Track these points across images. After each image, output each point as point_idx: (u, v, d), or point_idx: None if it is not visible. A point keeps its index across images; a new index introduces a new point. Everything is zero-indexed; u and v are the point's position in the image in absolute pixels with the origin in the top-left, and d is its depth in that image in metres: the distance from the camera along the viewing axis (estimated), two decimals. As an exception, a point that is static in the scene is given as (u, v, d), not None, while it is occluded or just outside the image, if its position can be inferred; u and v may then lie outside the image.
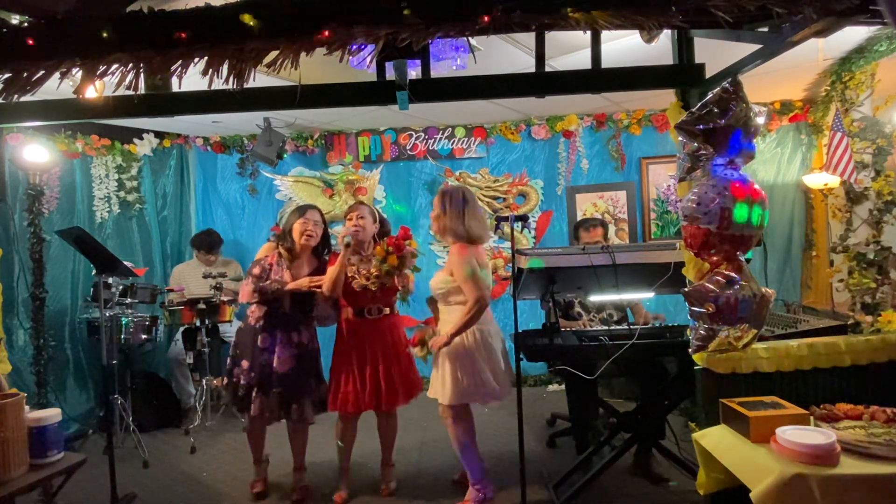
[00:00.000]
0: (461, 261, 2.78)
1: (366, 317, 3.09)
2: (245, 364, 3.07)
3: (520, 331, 2.74)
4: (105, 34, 1.97)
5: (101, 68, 2.04)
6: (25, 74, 2.04)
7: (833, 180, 4.11)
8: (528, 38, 2.62)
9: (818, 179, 4.26)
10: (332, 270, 3.02)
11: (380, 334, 3.09)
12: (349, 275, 3.05)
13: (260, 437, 3.24)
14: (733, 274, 2.13)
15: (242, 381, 3.05)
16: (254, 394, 3.03)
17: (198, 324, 4.20)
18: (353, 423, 3.16)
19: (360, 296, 3.07)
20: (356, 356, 3.06)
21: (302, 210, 3.18)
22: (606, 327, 3.30)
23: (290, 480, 3.26)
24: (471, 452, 2.92)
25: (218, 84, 2.04)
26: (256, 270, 3.09)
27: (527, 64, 3.20)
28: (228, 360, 3.18)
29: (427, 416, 4.21)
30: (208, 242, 4.77)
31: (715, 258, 2.18)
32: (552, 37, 2.83)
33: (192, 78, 2.09)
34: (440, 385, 2.87)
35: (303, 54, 1.97)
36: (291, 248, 3.13)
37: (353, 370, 3.05)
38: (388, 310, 3.14)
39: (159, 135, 5.08)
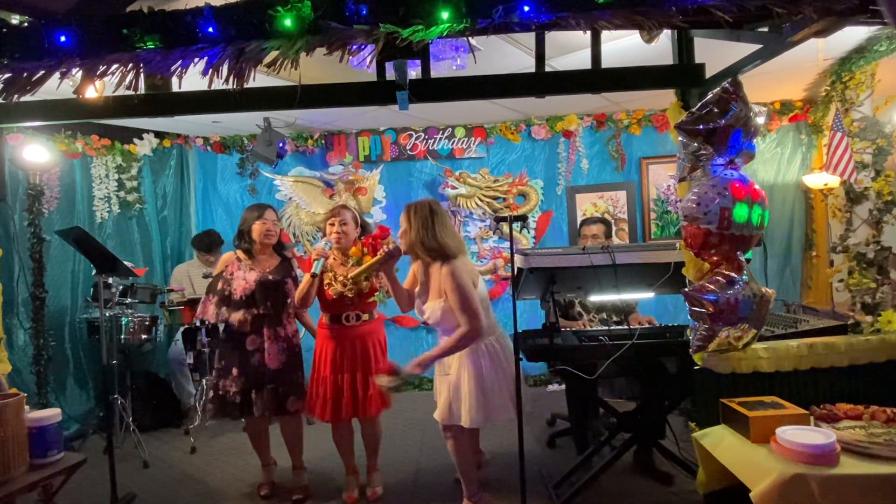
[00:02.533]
0: (455, 281, 2.55)
1: (343, 323, 3.01)
2: (235, 371, 3.04)
3: (520, 331, 2.73)
4: (105, 34, 1.97)
5: (101, 68, 2.04)
6: (25, 74, 2.04)
7: (833, 180, 4.11)
8: (528, 38, 2.62)
9: (818, 179, 4.26)
10: (300, 289, 2.97)
11: (357, 340, 3.01)
12: (325, 281, 2.97)
13: (262, 439, 3.24)
14: (733, 274, 2.13)
15: (234, 388, 3.02)
16: (253, 395, 3.01)
17: (198, 324, 4.20)
18: (343, 427, 3.12)
19: (336, 302, 2.98)
20: (331, 363, 2.99)
21: (259, 210, 3.15)
22: (606, 327, 3.29)
23: (290, 480, 3.26)
24: (469, 466, 2.85)
25: (218, 84, 2.04)
26: (220, 285, 3.08)
27: (527, 64, 3.20)
28: (214, 374, 3.14)
29: (427, 416, 4.21)
30: (207, 243, 4.78)
31: (715, 258, 2.18)
32: (552, 37, 2.83)
33: (192, 78, 2.09)
34: (458, 405, 2.66)
35: (303, 54, 1.97)
36: (249, 250, 3.12)
37: (328, 377, 2.99)
38: (366, 316, 3.05)
39: (159, 135, 5.08)
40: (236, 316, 3.05)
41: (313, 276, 2.86)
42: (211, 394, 3.12)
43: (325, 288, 2.97)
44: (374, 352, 3.04)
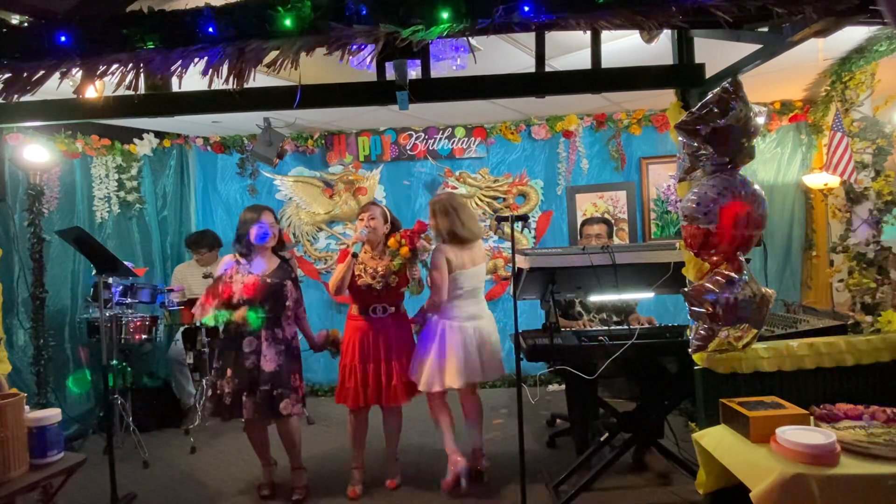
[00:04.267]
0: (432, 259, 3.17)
1: (370, 315, 3.15)
2: (229, 372, 3.04)
3: (520, 331, 2.74)
4: (105, 34, 1.97)
5: (101, 68, 2.04)
6: (25, 74, 2.04)
7: (833, 180, 4.11)
8: (528, 38, 2.62)
9: (818, 179, 4.26)
10: (337, 271, 3.12)
11: (383, 332, 3.14)
12: (356, 273, 3.12)
13: (261, 439, 3.24)
14: (733, 274, 2.13)
15: (227, 390, 3.03)
16: (244, 397, 3.00)
17: (198, 324, 4.20)
18: (362, 418, 3.22)
19: (365, 294, 3.12)
20: (359, 353, 3.13)
21: (256, 213, 3.16)
22: (606, 327, 3.29)
23: (290, 480, 3.26)
24: (441, 424, 3.21)
25: (218, 84, 2.04)
26: (221, 288, 3.08)
27: (527, 64, 3.20)
28: (212, 373, 3.17)
29: (426, 416, 4.21)
30: (193, 241, 4.78)
31: (715, 258, 2.18)
32: (552, 37, 2.83)
33: (192, 78, 2.09)
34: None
35: (303, 54, 1.97)
36: (247, 254, 3.13)
37: (356, 366, 3.12)
38: (393, 308, 3.19)
39: (159, 135, 5.08)
40: (239, 313, 3.03)
41: (354, 255, 3.06)
42: (209, 392, 3.14)
43: (355, 279, 3.11)
44: (398, 343, 3.17)
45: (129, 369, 4.21)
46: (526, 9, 1.85)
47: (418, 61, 2.34)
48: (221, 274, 3.13)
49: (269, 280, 3.08)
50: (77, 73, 2.06)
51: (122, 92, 2.09)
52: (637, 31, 2.21)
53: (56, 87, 2.11)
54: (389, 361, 3.13)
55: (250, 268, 3.11)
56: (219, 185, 5.40)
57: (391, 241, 3.15)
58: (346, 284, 3.11)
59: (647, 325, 3.38)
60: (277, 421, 3.13)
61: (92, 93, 2.25)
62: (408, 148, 5.27)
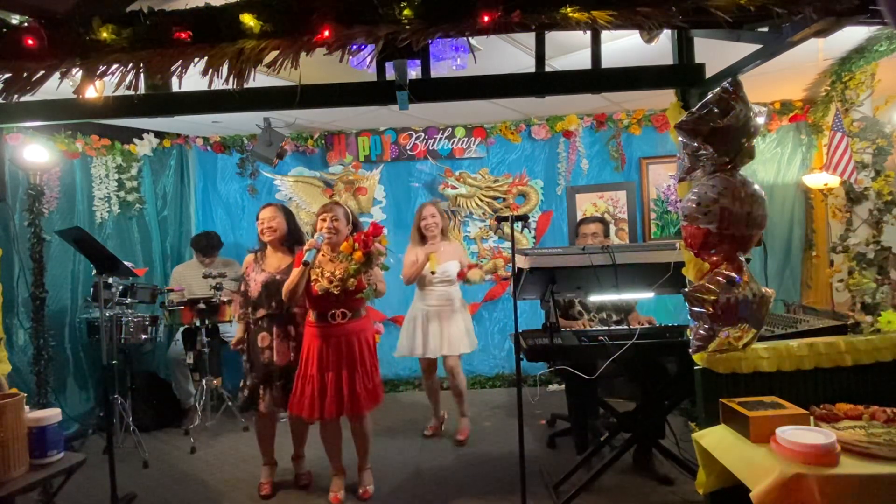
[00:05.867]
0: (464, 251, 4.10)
1: (328, 321, 2.99)
2: (249, 367, 3.21)
3: (520, 331, 2.74)
4: (105, 34, 1.97)
5: (101, 68, 2.04)
6: (25, 74, 2.04)
7: (833, 180, 4.11)
8: (528, 38, 2.62)
9: (818, 179, 4.26)
10: (289, 281, 2.96)
11: (343, 339, 3.00)
12: (312, 277, 2.96)
13: (270, 436, 3.29)
14: (733, 274, 2.13)
15: (249, 382, 3.17)
16: (261, 391, 3.10)
17: (198, 324, 4.20)
18: (330, 426, 3.12)
19: (322, 299, 2.96)
20: (318, 361, 2.97)
21: (262, 209, 3.31)
22: (606, 327, 3.29)
23: (289, 474, 3.32)
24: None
25: (218, 84, 2.04)
26: (242, 287, 3.23)
27: (527, 64, 3.20)
28: (244, 367, 3.30)
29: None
30: (204, 245, 4.78)
31: (715, 258, 2.18)
32: (552, 37, 2.82)
33: (192, 78, 2.09)
34: (465, 338, 3.84)
35: (303, 54, 1.97)
36: (261, 251, 3.29)
37: (314, 375, 2.96)
38: (352, 314, 3.02)
39: (159, 135, 5.08)
40: (258, 313, 3.17)
41: (305, 264, 2.87)
42: (241, 385, 3.27)
43: (312, 284, 2.96)
44: (360, 350, 3.02)
45: (129, 369, 4.22)
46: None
47: (418, 61, 2.34)
48: (243, 273, 3.27)
49: (277, 277, 3.11)
50: (77, 73, 2.06)
51: (122, 92, 2.09)
52: (637, 31, 2.21)
53: (56, 87, 2.11)
54: (351, 369, 2.97)
55: (263, 265, 3.19)
56: (219, 185, 5.39)
57: (344, 245, 2.98)
58: (298, 293, 2.95)
59: (647, 325, 3.39)
60: (291, 416, 3.19)
61: (92, 93, 2.25)
62: (408, 148, 5.27)
